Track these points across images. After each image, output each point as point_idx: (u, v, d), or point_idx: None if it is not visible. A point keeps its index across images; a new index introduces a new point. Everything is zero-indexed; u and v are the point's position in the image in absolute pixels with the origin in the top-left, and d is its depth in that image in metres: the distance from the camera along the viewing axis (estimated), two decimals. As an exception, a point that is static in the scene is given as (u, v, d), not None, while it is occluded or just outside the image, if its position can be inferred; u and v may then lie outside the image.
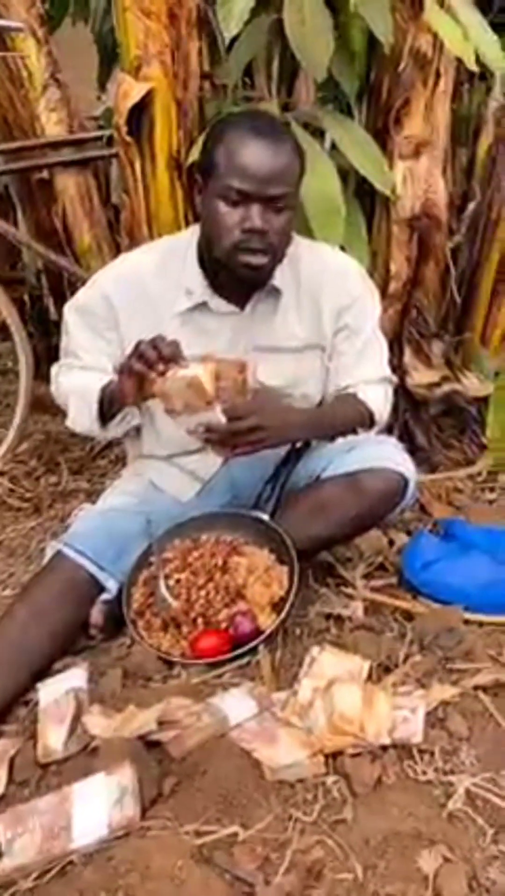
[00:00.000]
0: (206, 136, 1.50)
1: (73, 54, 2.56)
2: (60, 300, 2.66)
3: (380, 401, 1.68)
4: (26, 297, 2.73)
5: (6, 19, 2.09)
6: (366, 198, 1.95)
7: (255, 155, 1.39)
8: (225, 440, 1.45)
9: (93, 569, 1.53)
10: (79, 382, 1.60)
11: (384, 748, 1.27)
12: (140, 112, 1.82)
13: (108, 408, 1.56)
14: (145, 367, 1.36)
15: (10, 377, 2.85)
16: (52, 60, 2.22)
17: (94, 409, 1.55)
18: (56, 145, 2.26)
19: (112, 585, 1.56)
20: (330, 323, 1.62)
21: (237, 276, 1.49)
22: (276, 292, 1.57)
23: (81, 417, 1.59)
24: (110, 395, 1.53)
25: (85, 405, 1.57)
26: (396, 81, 1.83)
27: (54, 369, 1.70)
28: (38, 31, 2.15)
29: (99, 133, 2.28)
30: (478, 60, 1.75)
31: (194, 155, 1.83)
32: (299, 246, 1.60)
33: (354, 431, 1.67)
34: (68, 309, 1.65)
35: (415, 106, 1.84)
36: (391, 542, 1.88)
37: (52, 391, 1.70)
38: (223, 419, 1.41)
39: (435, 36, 1.75)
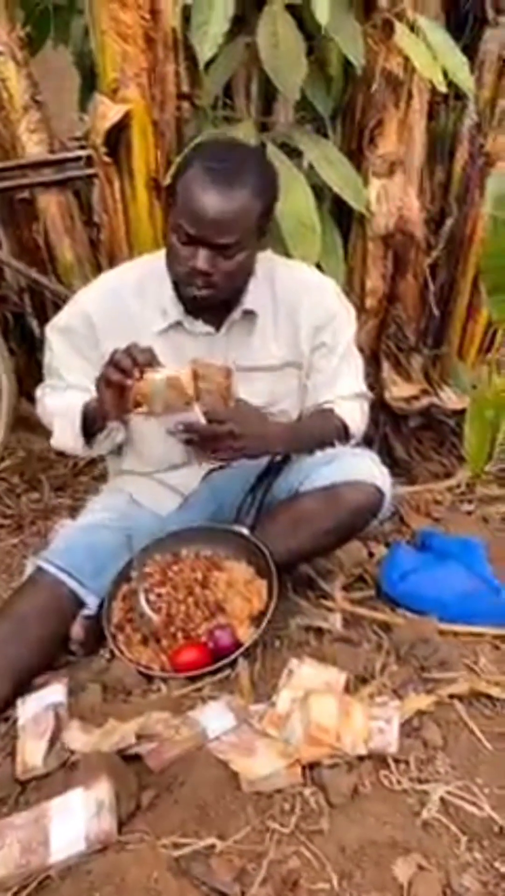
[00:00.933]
0: (179, 160, 1.51)
1: (54, 76, 2.60)
2: (43, 318, 2.67)
3: (356, 415, 1.71)
4: (9, 315, 2.74)
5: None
6: (342, 216, 1.98)
7: (205, 202, 1.38)
8: (204, 442, 1.48)
9: (73, 584, 1.54)
10: (62, 402, 1.62)
11: (360, 758, 1.29)
12: (118, 133, 1.85)
13: (92, 424, 1.57)
14: (122, 375, 1.37)
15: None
16: (33, 82, 2.24)
17: (78, 427, 1.57)
18: (37, 166, 2.28)
19: (92, 601, 1.57)
20: (307, 341, 1.64)
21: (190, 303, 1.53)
22: (251, 315, 1.59)
23: (65, 437, 1.61)
24: (93, 412, 1.55)
25: (68, 424, 1.58)
26: (370, 102, 1.87)
27: (39, 391, 1.72)
28: (17, 53, 2.18)
29: (79, 153, 2.30)
30: (449, 82, 1.79)
31: (171, 177, 1.86)
32: (275, 265, 1.63)
33: (332, 445, 1.70)
34: (51, 329, 1.67)
35: (388, 126, 1.88)
36: (371, 554, 1.90)
37: (38, 412, 1.72)
38: (203, 420, 1.43)
39: (406, 58, 1.79)
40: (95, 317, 1.59)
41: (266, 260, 1.62)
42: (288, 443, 1.66)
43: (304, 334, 1.63)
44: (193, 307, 1.55)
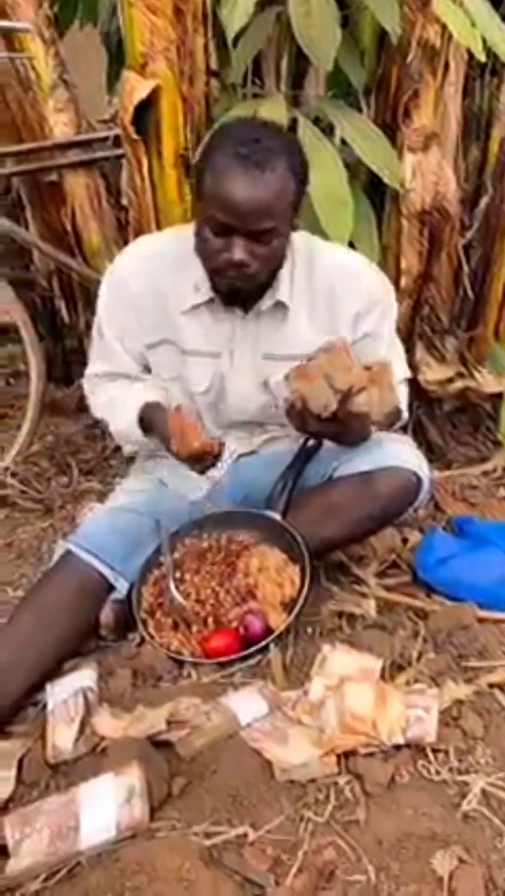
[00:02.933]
0: (201, 149, 1.45)
1: (81, 57, 2.56)
2: (71, 302, 2.66)
3: (404, 400, 1.67)
4: (37, 300, 2.73)
5: (13, 21, 2.09)
6: (375, 193, 1.93)
7: (238, 189, 1.32)
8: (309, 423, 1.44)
9: (103, 568, 1.52)
10: (116, 401, 1.63)
11: (397, 748, 1.25)
12: (147, 110, 1.81)
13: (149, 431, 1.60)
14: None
15: (22, 380, 2.84)
16: (60, 61, 2.21)
17: (137, 429, 1.59)
18: (64, 147, 2.26)
19: (122, 585, 1.54)
20: (347, 329, 1.59)
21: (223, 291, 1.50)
22: (282, 305, 1.55)
23: (126, 437, 1.66)
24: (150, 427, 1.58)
25: (126, 425, 1.61)
26: (405, 73, 1.81)
27: (87, 384, 1.72)
28: (45, 32, 2.15)
29: (106, 133, 2.27)
30: (488, 51, 1.73)
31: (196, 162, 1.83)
32: (315, 250, 1.58)
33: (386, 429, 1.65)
34: (100, 307, 1.64)
35: (424, 98, 1.82)
36: (405, 541, 1.85)
37: (89, 405, 1.75)
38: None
39: (443, 27, 1.73)
40: (134, 285, 1.56)
41: (305, 245, 1.57)
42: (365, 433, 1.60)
43: (343, 322, 1.58)
44: (228, 297, 1.51)
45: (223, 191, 1.34)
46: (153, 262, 1.57)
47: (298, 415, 1.44)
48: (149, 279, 1.56)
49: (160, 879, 0.99)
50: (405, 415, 1.70)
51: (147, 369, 1.66)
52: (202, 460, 1.47)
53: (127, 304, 1.58)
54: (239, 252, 1.37)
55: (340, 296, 1.56)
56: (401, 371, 1.69)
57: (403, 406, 1.68)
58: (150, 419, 1.56)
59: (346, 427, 1.46)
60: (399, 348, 1.70)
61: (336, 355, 1.40)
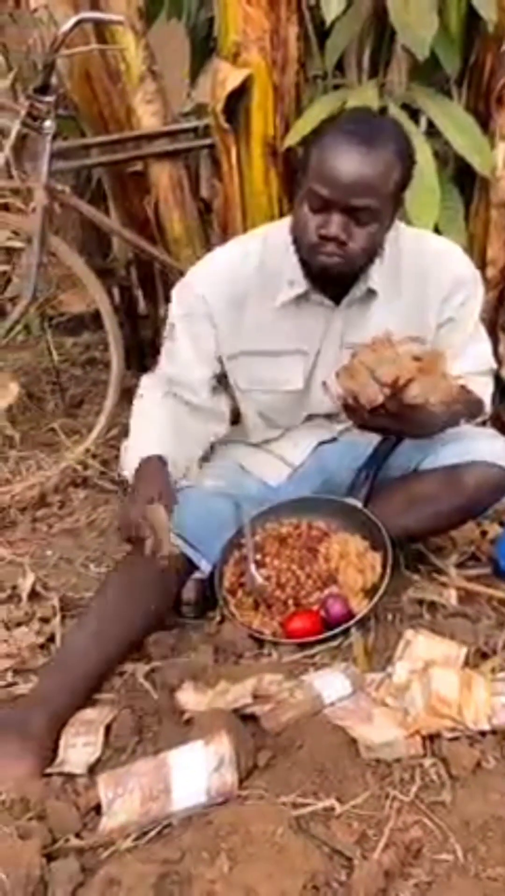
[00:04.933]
0: (313, 129, 1.47)
1: (162, 52, 2.60)
2: (150, 292, 2.71)
3: (488, 391, 1.65)
4: (115, 289, 2.78)
5: (107, 13, 2.14)
6: (464, 181, 1.91)
7: (342, 161, 1.33)
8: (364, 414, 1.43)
9: (186, 548, 1.54)
10: (136, 431, 1.60)
11: (483, 734, 1.24)
12: (237, 99, 1.83)
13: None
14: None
15: (98, 367, 2.91)
16: (150, 53, 2.24)
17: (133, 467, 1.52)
18: (151, 137, 2.30)
19: (204, 565, 1.57)
20: (435, 315, 1.58)
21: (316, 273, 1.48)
22: (372, 293, 1.54)
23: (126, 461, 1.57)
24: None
25: (128, 458, 1.55)
26: (500, 61, 1.79)
27: (146, 380, 1.70)
28: (136, 23, 2.19)
29: (193, 124, 2.30)
30: None
31: (290, 140, 1.84)
32: (401, 234, 1.57)
33: (466, 422, 1.64)
34: (173, 315, 1.64)
35: (519, 86, 1.80)
36: (484, 533, 1.83)
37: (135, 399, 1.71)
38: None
39: (540, 14, 1.71)
40: (211, 297, 1.57)
41: (392, 229, 1.57)
42: (442, 424, 1.55)
43: (431, 307, 1.57)
44: (321, 278, 1.49)
45: (326, 163, 1.35)
46: (232, 271, 1.57)
47: (353, 411, 1.44)
48: (228, 290, 1.56)
49: (254, 842, 1.01)
50: (488, 407, 1.68)
51: (218, 379, 1.65)
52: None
53: (203, 317, 1.58)
54: (335, 227, 1.37)
55: (428, 278, 1.55)
56: (485, 361, 1.67)
57: (487, 397, 1.66)
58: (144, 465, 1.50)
59: (405, 420, 1.43)
60: (483, 337, 1.68)
61: (380, 348, 1.40)
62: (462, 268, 1.59)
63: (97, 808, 1.14)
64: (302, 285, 1.53)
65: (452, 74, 1.84)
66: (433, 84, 1.96)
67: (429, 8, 1.64)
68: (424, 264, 1.56)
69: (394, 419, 1.42)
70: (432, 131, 1.86)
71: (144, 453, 1.50)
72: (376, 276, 1.52)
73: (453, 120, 1.78)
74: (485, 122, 1.85)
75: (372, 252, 1.46)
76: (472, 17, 1.79)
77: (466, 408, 1.57)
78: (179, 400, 1.63)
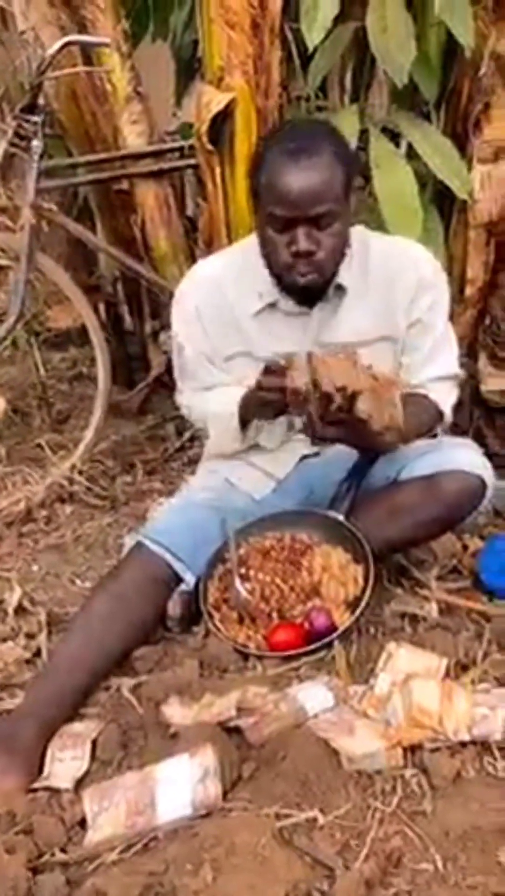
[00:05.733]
0: (251, 160, 1.51)
1: (148, 73, 2.64)
2: (136, 308, 2.74)
3: (450, 399, 1.70)
4: (101, 306, 2.81)
5: (94, 36, 2.17)
6: (443, 202, 1.96)
7: (291, 179, 1.39)
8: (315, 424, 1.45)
9: (172, 560, 1.56)
10: (215, 408, 1.68)
11: (463, 744, 1.26)
12: (221, 121, 1.87)
13: (247, 422, 1.65)
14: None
15: (85, 382, 2.93)
16: (135, 74, 2.28)
17: (237, 430, 1.65)
18: (137, 157, 2.33)
19: (190, 578, 1.58)
20: (404, 314, 1.61)
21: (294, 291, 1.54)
22: (341, 290, 1.58)
23: (225, 441, 1.70)
24: (244, 414, 1.62)
25: (229, 431, 1.66)
26: (476, 86, 1.84)
27: (180, 398, 1.79)
28: (122, 45, 2.23)
29: (178, 144, 2.34)
30: None
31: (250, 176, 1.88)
32: (368, 236, 1.62)
33: (429, 434, 1.68)
34: (176, 333, 1.70)
35: (495, 110, 1.84)
36: (465, 546, 1.86)
37: (186, 415, 1.82)
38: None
39: (516, 41, 1.76)
40: (201, 306, 1.63)
41: (359, 233, 1.61)
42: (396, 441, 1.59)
43: (400, 306, 1.60)
44: (302, 294, 1.55)
45: (277, 185, 1.40)
46: (215, 280, 1.63)
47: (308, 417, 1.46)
48: (214, 298, 1.62)
49: (237, 853, 1.03)
50: (449, 415, 1.71)
51: None
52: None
53: (199, 327, 1.64)
54: (304, 241, 1.42)
55: (396, 279, 1.59)
56: (450, 367, 1.70)
57: (449, 404, 1.70)
58: (243, 408, 1.61)
59: (355, 433, 1.45)
60: (451, 340, 1.71)
61: (342, 360, 1.42)
62: (427, 270, 1.62)
63: (83, 822, 1.15)
64: (271, 296, 1.58)
65: (430, 99, 1.88)
66: (414, 107, 2.01)
67: (407, 35, 1.69)
68: (392, 265, 1.60)
69: (344, 430, 1.45)
70: (413, 153, 1.91)
71: (235, 401, 1.61)
72: (346, 273, 1.56)
73: (432, 144, 1.82)
74: (463, 146, 1.89)
75: (341, 250, 1.51)
76: (450, 43, 1.84)
77: (428, 415, 1.64)
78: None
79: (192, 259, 2.35)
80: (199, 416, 1.76)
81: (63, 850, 1.13)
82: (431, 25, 1.83)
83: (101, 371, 2.35)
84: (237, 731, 1.30)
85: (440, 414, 1.68)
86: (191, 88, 2.67)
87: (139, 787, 1.16)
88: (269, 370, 1.49)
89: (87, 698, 1.44)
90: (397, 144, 1.98)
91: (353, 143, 1.73)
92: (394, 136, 1.98)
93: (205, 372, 1.69)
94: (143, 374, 2.67)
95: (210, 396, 1.70)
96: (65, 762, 1.28)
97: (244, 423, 1.64)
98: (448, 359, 1.70)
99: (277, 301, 1.59)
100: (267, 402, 1.52)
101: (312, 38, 1.69)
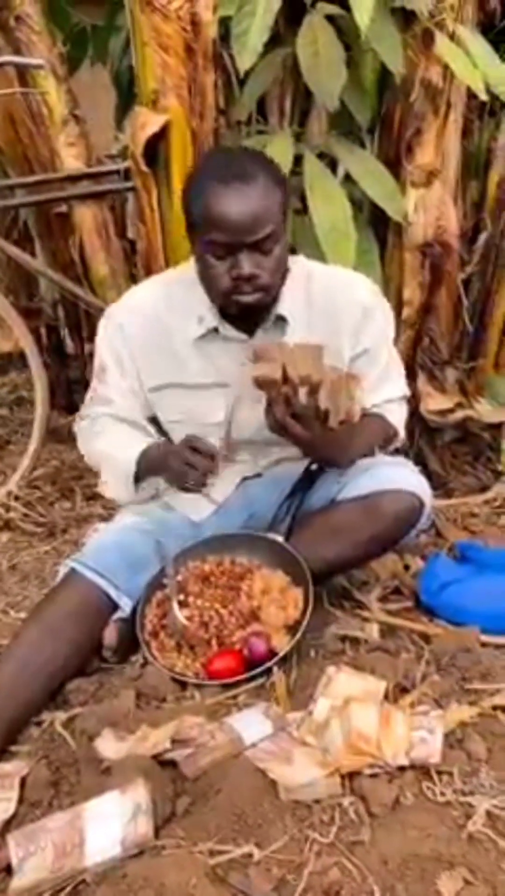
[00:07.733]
0: (182, 188, 1.50)
1: (89, 96, 2.64)
2: (76, 331, 2.71)
3: (402, 419, 1.73)
4: (42, 329, 2.77)
5: (28, 58, 2.15)
6: (379, 226, 1.98)
7: (231, 205, 1.38)
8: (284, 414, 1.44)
9: (106, 586, 1.52)
10: (111, 451, 1.64)
11: (402, 769, 1.25)
12: (157, 144, 1.86)
13: (144, 477, 1.63)
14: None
15: (25, 406, 2.88)
16: (72, 97, 2.28)
17: (131, 483, 1.61)
18: (74, 179, 2.31)
19: (126, 604, 1.55)
20: (349, 346, 1.62)
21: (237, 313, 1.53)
22: (282, 320, 1.58)
23: (116, 488, 1.67)
24: (148, 467, 1.60)
25: (121, 478, 1.62)
26: (408, 112, 1.87)
27: (80, 423, 1.73)
28: (58, 69, 2.22)
29: (116, 167, 2.33)
30: (488, 91, 1.80)
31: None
32: (311, 268, 1.63)
33: (381, 450, 1.68)
34: (100, 353, 1.66)
35: (427, 135, 1.88)
36: (406, 567, 1.86)
37: (80, 448, 1.75)
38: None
39: (445, 67, 1.79)
40: (128, 328, 1.61)
41: (301, 264, 1.61)
42: (351, 452, 1.62)
43: (344, 337, 1.61)
44: (242, 315, 1.54)
45: (216, 212, 1.39)
46: (151, 306, 1.61)
47: (273, 403, 1.44)
48: (147, 324, 1.60)
49: (167, 895, 0.99)
50: (402, 435, 1.73)
51: (151, 420, 1.69)
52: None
53: (127, 351, 1.62)
54: (247, 265, 1.41)
55: (339, 310, 1.60)
56: (399, 388, 1.73)
57: (401, 424, 1.72)
58: (147, 459, 1.59)
59: (308, 429, 1.44)
60: (397, 362, 1.74)
61: (305, 351, 1.42)
62: (368, 297, 1.63)
63: (8, 868, 1.09)
64: (212, 321, 1.56)
65: (363, 125, 1.91)
66: (352, 133, 2.04)
67: (338, 61, 1.71)
68: (335, 297, 1.61)
69: (302, 427, 1.43)
70: (350, 177, 1.93)
71: (138, 449, 1.59)
72: (288, 303, 1.56)
73: (367, 168, 1.84)
74: (397, 170, 1.92)
75: (281, 272, 1.51)
76: (384, 70, 1.87)
77: (379, 436, 1.67)
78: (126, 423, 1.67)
79: (133, 282, 2.33)
80: (91, 453, 1.71)
81: (-13, 899, 1.07)
82: (363, 52, 1.86)
83: (39, 396, 2.31)
84: (172, 763, 1.26)
85: (395, 431, 1.70)
86: (131, 111, 2.66)
87: (67, 829, 1.11)
88: (197, 448, 1.51)
89: (18, 733, 1.38)
90: (334, 170, 2.00)
91: (286, 167, 1.74)
92: (331, 162, 1.99)
93: (120, 399, 1.65)
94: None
95: (109, 436, 1.65)
96: (-8, 805, 1.22)
97: (141, 475, 1.61)
98: (397, 381, 1.73)
99: (217, 327, 1.57)
100: (183, 473, 1.52)
101: (244, 62, 1.69)
